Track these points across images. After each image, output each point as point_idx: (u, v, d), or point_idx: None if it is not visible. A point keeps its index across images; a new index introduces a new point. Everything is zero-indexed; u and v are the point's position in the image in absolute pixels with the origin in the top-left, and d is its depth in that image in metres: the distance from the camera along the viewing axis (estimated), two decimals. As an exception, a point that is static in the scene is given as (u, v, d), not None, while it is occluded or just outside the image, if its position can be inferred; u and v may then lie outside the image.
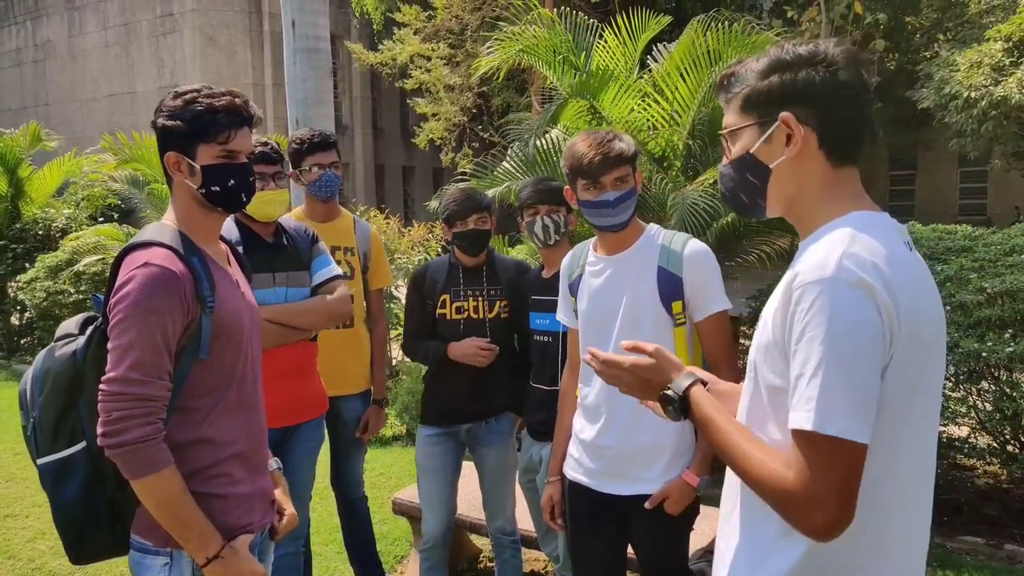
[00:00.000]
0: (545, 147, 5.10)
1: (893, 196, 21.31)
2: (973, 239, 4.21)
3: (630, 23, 5.18)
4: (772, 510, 1.21)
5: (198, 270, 1.70)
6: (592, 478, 2.27)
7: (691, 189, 4.53)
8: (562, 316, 2.47)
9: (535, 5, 5.51)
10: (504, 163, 5.28)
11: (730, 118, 1.38)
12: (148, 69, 21.04)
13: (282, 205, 2.75)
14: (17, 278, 9.92)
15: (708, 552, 2.49)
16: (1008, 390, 3.73)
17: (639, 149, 2.60)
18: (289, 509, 1.99)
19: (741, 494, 1.37)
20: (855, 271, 1.16)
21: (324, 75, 6.02)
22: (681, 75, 4.75)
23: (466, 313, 2.96)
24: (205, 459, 1.72)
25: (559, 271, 2.48)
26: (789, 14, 12.93)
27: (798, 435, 1.17)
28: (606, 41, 5.23)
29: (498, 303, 2.97)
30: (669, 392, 1.42)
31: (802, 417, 1.16)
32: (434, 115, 15.15)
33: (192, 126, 1.72)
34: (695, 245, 2.20)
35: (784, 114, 1.28)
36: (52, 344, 1.78)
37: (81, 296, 8.49)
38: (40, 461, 1.73)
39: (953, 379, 3.85)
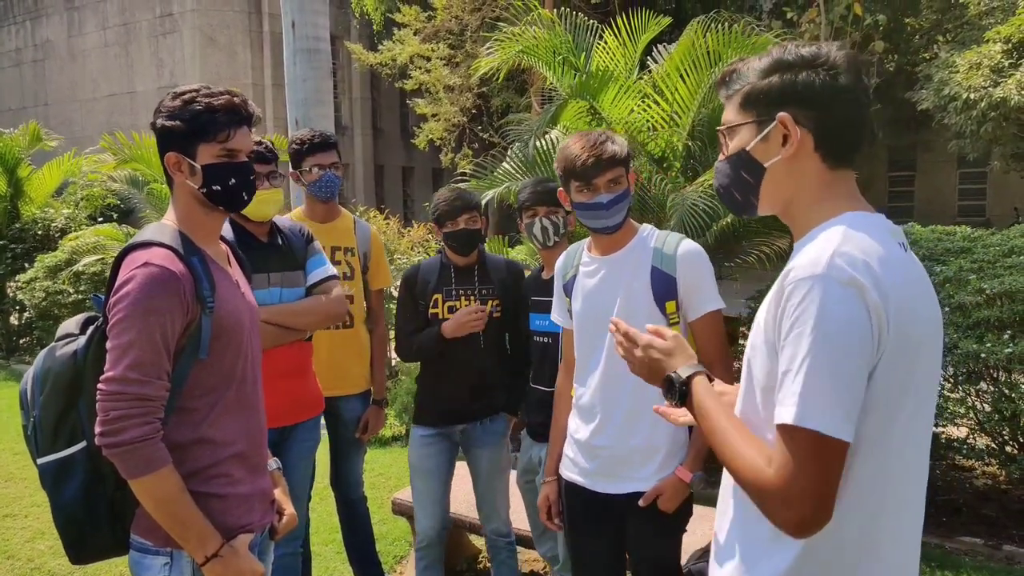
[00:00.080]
0: (545, 148, 5.09)
1: (892, 197, 21.31)
2: (972, 240, 4.22)
3: (630, 24, 5.18)
4: None
5: (198, 270, 1.70)
6: (587, 478, 2.27)
7: (691, 190, 4.53)
8: (557, 316, 2.47)
9: (535, 6, 5.51)
10: (504, 164, 5.26)
11: (729, 115, 1.38)
12: (148, 69, 21.01)
13: (276, 205, 2.74)
14: (16, 278, 9.90)
15: (707, 553, 2.49)
16: (1007, 391, 3.73)
17: (638, 150, 2.60)
18: (289, 509, 1.99)
19: (735, 493, 1.38)
20: (846, 269, 1.16)
21: (324, 75, 6.03)
22: (681, 76, 4.75)
23: None
24: (205, 459, 1.72)
25: (558, 272, 2.49)
26: (789, 15, 12.92)
27: (781, 429, 1.17)
28: (606, 42, 5.23)
29: (490, 302, 2.98)
30: (673, 376, 1.43)
31: (785, 412, 1.16)
32: (434, 116, 15.13)
33: (191, 126, 1.72)
34: (688, 245, 2.21)
35: (782, 114, 1.29)
36: (53, 344, 1.78)
37: (80, 296, 8.48)
38: (40, 461, 1.73)
39: (952, 380, 3.85)
